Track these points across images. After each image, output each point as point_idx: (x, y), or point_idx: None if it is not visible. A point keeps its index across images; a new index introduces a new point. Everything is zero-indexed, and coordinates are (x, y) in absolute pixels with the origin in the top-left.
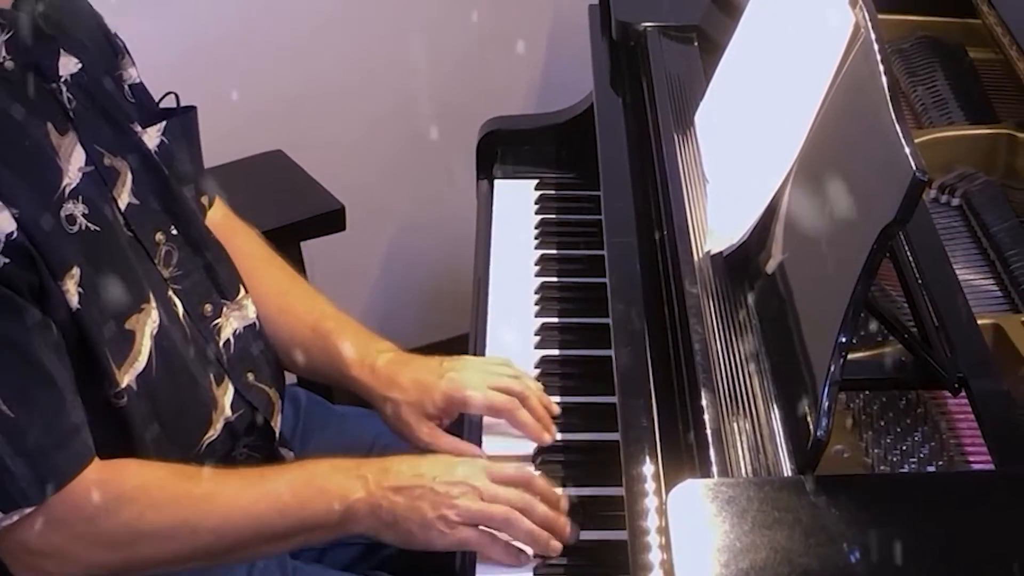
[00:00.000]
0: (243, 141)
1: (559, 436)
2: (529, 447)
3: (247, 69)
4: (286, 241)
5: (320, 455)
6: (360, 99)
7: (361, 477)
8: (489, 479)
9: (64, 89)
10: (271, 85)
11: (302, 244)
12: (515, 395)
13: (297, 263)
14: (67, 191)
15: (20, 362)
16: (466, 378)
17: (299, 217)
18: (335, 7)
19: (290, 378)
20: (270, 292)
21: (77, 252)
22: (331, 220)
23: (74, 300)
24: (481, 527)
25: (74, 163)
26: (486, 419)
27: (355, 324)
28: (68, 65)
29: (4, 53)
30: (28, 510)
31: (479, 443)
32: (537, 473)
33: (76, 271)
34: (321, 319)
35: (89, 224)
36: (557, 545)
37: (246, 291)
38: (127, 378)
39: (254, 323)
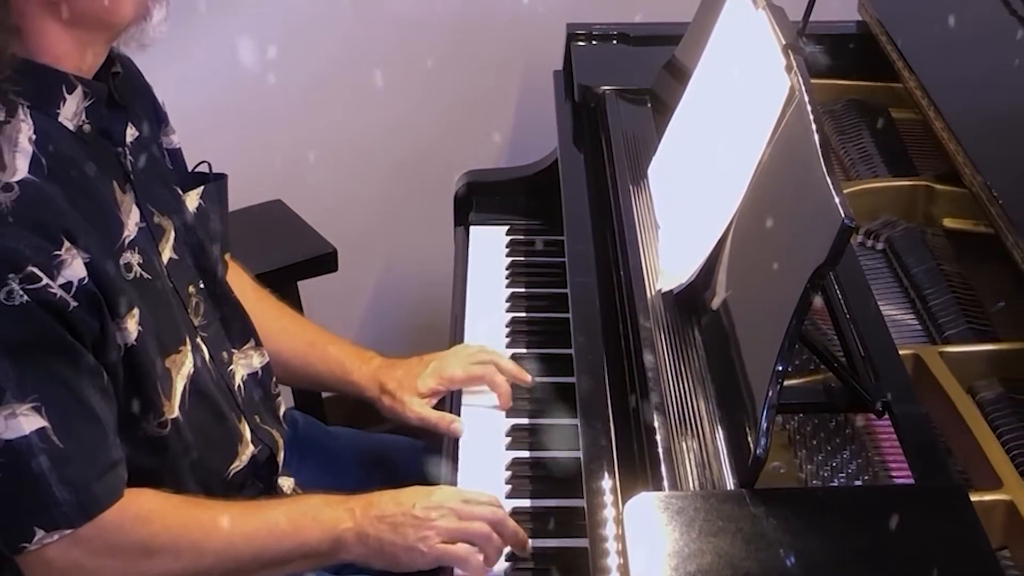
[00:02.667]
0: (246, 192)
1: (528, 454)
2: (500, 416)
3: (250, 129)
4: (284, 281)
5: (316, 471)
6: (351, 155)
7: (349, 510)
8: (462, 502)
9: (127, 153)
10: (271, 143)
11: (299, 283)
12: (490, 363)
13: (294, 300)
14: (127, 242)
15: (72, 401)
16: (448, 363)
17: (296, 259)
18: (329, 77)
19: (288, 402)
20: (267, 317)
21: (134, 296)
22: (324, 262)
23: (132, 337)
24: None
25: (132, 218)
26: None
27: (341, 339)
28: (130, 132)
29: (85, 117)
30: (67, 532)
31: (459, 413)
32: (508, 487)
33: (136, 311)
34: (315, 336)
35: (143, 273)
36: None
37: (255, 343)
38: (169, 407)
39: (256, 372)
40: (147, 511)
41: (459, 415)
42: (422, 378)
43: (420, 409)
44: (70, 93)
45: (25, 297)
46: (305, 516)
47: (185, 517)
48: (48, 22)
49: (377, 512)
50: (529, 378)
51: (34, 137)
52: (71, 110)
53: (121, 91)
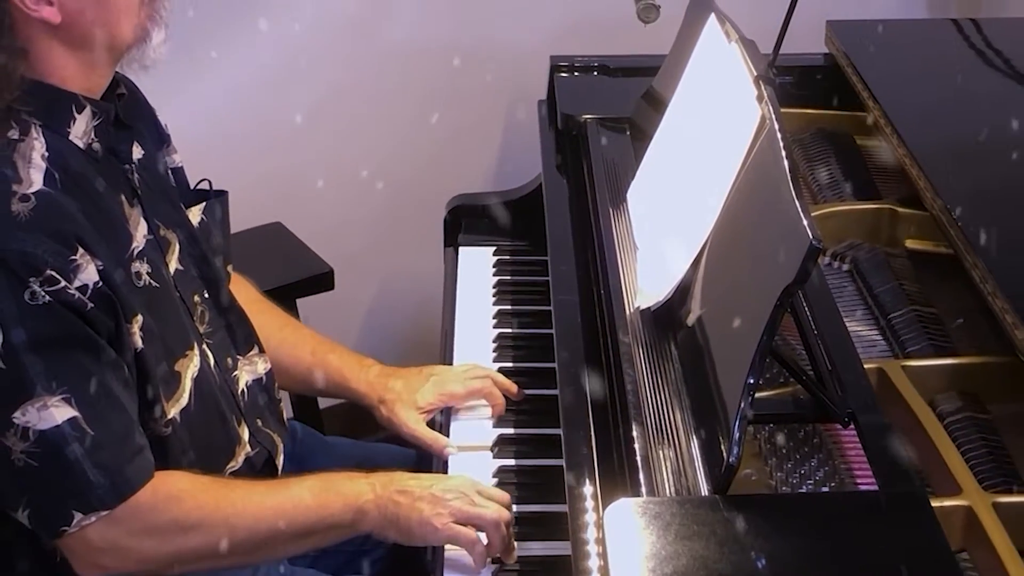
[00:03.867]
0: (247, 214)
1: (513, 462)
2: (487, 426)
3: (251, 155)
4: (284, 298)
5: None
6: (347, 180)
7: (370, 483)
8: (476, 492)
9: (134, 170)
10: (271, 168)
11: (297, 301)
12: (487, 378)
13: (293, 317)
14: (135, 252)
15: (99, 390)
16: (447, 378)
17: (295, 278)
18: (327, 106)
19: (287, 413)
20: (271, 327)
21: (142, 303)
22: (322, 281)
23: (138, 343)
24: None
25: (140, 231)
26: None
27: (342, 347)
28: (136, 151)
29: (93, 136)
30: (104, 513)
31: (448, 434)
32: (493, 482)
33: (140, 318)
34: (317, 346)
35: (151, 281)
36: (514, 555)
37: (259, 350)
38: (173, 411)
39: (261, 378)
40: (178, 490)
41: (449, 423)
42: (422, 392)
43: (415, 426)
44: (79, 113)
45: (48, 297)
46: (328, 490)
47: (216, 495)
48: (53, 44)
49: (398, 487)
50: (517, 389)
51: (47, 154)
52: (81, 129)
53: (126, 112)
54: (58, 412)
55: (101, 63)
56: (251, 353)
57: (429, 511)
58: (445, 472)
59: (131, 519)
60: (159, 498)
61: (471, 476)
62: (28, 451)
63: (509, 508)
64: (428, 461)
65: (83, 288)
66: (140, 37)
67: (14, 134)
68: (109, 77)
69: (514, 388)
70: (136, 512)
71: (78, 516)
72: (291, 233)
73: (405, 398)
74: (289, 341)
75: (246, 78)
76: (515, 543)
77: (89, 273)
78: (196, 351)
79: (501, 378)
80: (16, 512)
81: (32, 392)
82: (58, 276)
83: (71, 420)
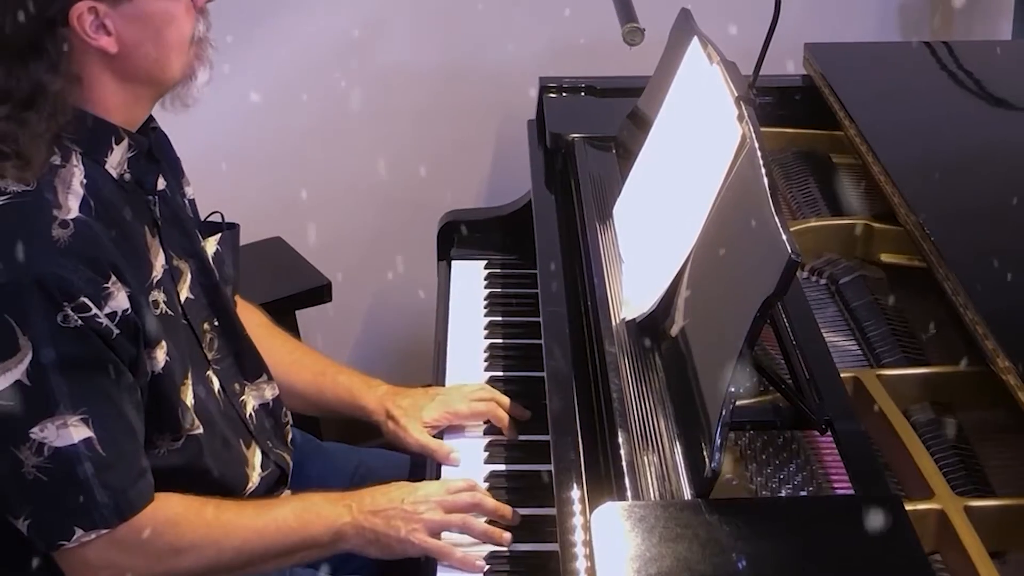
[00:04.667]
0: (249, 230)
1: (504, 467)
2: (479, 433)
3: (252, 173)
4: (284, 310)
5: (312, 482)
6: (344, 196)
7: (347, 506)
8: (446, 492)
9: (156, 201)
10: (271, 186)
11: (297, 312)
12: (491, 400)
13: (292, 328)
14: (154, 281)
15: (115, 414)
16: (453, 398)
17: (294, 291)
18: (324, 125)
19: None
20: (281, 351)
21: (160, 330)
22: (320, 293)
23: (159, 366)
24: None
25: (159, 260)
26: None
27: (349, 368)
28: (160, 182)
29: (127, 167)
30: (104, 532)
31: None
32: (485, 486)
33: (165, 344)
34: (323, 367)
35: (167, 310)
36: (508, 535)
37: (267, 377)
38: (197, 431)
39: (268, 403)
40: (174, 513)
41: (443, 433)
42: (427, 409)
43: (421, 436)
44: (117, 144)
45: (79, 321)
46: (309, 512)
47: (207, 519)
48: (105, 76)
49: (371, 507)
50: (526, 412)
51: (84, 181)
52: (116, 159)
53: (157, 146)
54: (75, 431)
55: (145, 97)
56: (259, 380)
57: (405, 528)
58: (438, 470)
59: (129, 539)
60: (157, 520)
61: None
62: (40, 466)
63: (476, 491)
64: (421, 468)
65: (112, 315)
66: (187, 75)
67: (56, 159)
68: (149, 111)
69: (525, 413)
70: (134, 532)
71: (79, 532)
72: (290, 247)
73: (412, 414)
74: (299, 363)
75: (249, 97)
76: (512, 510)
77: (119, 301)
78: (190, 380)
79: (507, 401)
80: (16, 520)
81: (54, 410)
82: (90, 303)
83: (86, 440)
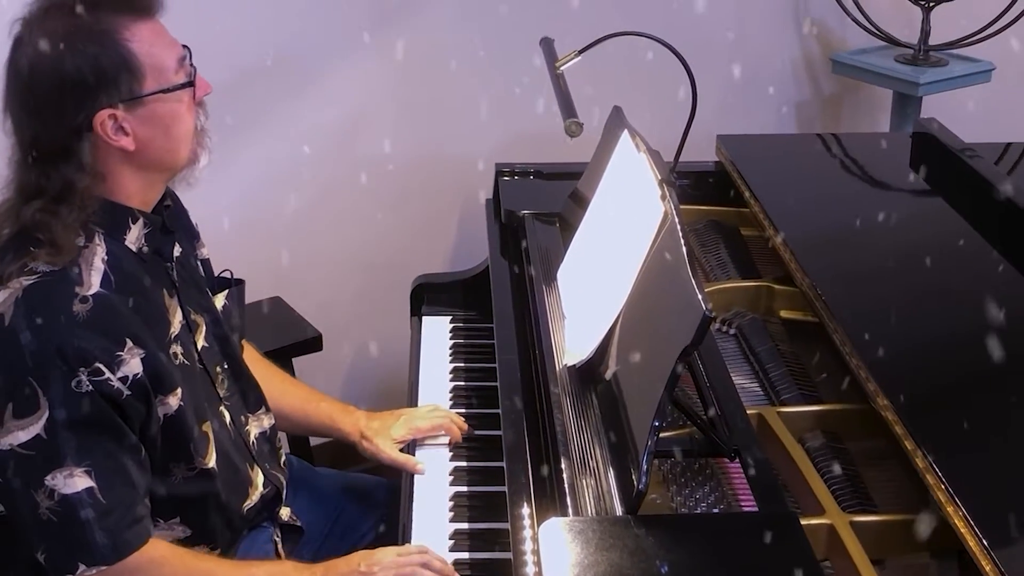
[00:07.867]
0: (253, 290)
1: (466, 488)
2: (445, 459)
3: (256, 242)
4: (281, 357)
5: (306, 502)
6: (333, 263)
7: (312, 573)
8: (397, 555)
9: (173, 267)
10: (273, 252)
11: (293, 359)
12: (446, 417)
13: (289, 372)
14: (173, 336)
15: (115, 468)
16: (415, 415)
17: (291, 341)
18: (316, 203)
19: (284, 449)
20: (273, 381)
21: (178, 378)
22: (312, 344)
23: (172, 409)
24: None
25: (176, 318)
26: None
27: (330, 397)
28: (176, 250)
29: (144, 242)
30: (103, 568)
31: (414, 453)
32: (451, 513)
33: (179, 391)
34: (309, 395)
35: (184, 360)
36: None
37: (265, 408)
38: (211, 462)
39: (266, 431)
40: (160, 556)
41: (415, 450)
42: (395, 428)
43: (391, 451)
44: (134, 223)
45: (90, 387)
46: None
47: (189, 564)
48: (124, 168)
49: (335, 574)
50: (467, 427)
51: (106, 258)
52: (134, 236)
53: (170, 220)
54: (80, 481)
55: (158, 182)
56: (259, 412)
57: None
58: (411, 491)
59: (123, 574)
60: (147, 559)
61: (417, 539)
62: (52, 508)
63: (425, 553)
64: (399, 486)
65: (124, 379)
66: (192, 161)
67: (81, 241)
68: (161, 193)
69: (466, 426)
70: (128, 570)
71: (82, 567)
72: (288, 305)
73: (382, 433)
74: (289, 392)
75: (254, 178)
76: (460, 555)
77: (132, 366)
78: (210, 414)
79: (457, 417)
80: (36, 553)
81: (63, 462)
82: (104, 369)
83: (88, 489)
